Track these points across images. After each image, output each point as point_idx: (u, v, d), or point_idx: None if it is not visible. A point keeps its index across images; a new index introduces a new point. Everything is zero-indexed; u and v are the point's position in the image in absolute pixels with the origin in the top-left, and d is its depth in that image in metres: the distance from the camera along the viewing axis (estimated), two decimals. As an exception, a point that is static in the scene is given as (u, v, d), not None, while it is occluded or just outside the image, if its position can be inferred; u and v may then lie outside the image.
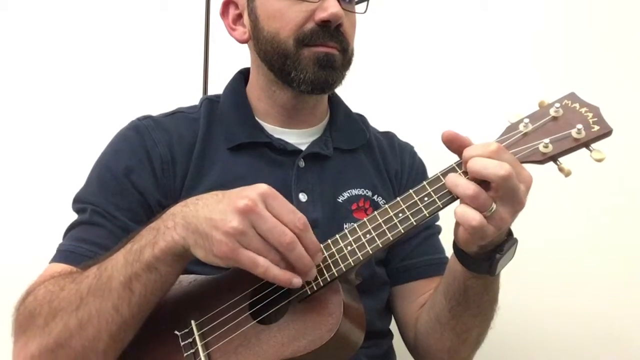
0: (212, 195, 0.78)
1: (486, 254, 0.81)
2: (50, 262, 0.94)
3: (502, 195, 0.74)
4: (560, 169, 0.77)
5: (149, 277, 0.77)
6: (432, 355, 1.03)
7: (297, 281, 0.75)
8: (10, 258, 1.47)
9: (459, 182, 0.75)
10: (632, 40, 1.43)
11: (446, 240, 1.11)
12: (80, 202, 0.98)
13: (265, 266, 0.72)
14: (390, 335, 1.11)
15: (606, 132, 0.75)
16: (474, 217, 0.73)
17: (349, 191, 1.05)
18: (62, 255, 0.93)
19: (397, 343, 1.11)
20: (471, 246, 0.81)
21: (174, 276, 0.81)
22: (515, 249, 0.83)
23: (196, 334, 0.81)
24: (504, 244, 0.81)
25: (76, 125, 1.52)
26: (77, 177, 1.02)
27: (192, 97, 1.16)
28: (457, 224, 0.79)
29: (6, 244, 1.48)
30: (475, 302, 0.90)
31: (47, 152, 1.52)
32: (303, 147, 1.04)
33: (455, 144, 0.78)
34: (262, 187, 0.75)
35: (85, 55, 1.56)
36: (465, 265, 0.85)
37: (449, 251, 1.10)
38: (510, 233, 0.83)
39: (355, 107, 1.17)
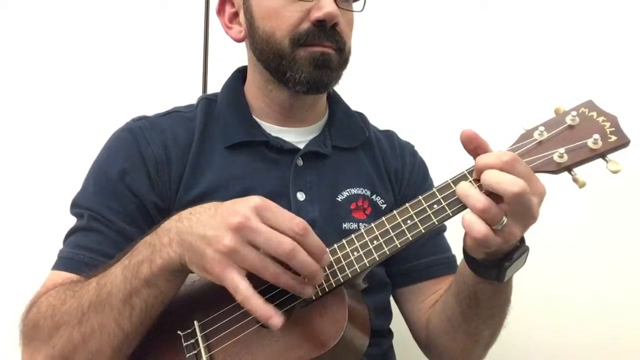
0: (205, 209, 0.76)
1: (495, 261, 0.80)
2: (51, 269, 0.94)
3: (515, 210, 0.72)
4: (575, 180, 0.75)
5: (149, 292, 0.77)
6: (445, 355, 1.03)
7: (275, 321, 0.69)
8: (10, 260, 1.46)
9: (470, 193, 0.73)
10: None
11: (451, 238, 1.10)
12: (77, 207, 0.97)
13: (244, 295, 0.69)
14: (390, 334, 1.09)
15: (624, 143, 0.74)
16: (479, 230, 0.72)
17: (347, 190, 1.03)
18: (63, 262, 0.93)
19: (397, 343, 1.09)
20: (478, 253, 0.80)
21: (174, 290, 0.80)
22: (527, 257, 0.81)
23: (199, 334, 0.80)
24: (514, 252, 0.78)
25: (76, 125, 1.52)
26: (77, 178, 1.01)
27: (191, 97, 1.14)
28: None
29: (6, 245, 1.47)
30: (486, 306, 0.89)
31: (46, 152, 1.51)
32: (301, 146, 1.03)
33: (472, 145, 0.76)
34: (254, 200, 0.72)
35: (84, 55, 1.55)
36: (474, 270, 0.84)
37: (454, 248, 1.11)
38: (522, 240, 0.81)
39: (355, 106, 1.16)
